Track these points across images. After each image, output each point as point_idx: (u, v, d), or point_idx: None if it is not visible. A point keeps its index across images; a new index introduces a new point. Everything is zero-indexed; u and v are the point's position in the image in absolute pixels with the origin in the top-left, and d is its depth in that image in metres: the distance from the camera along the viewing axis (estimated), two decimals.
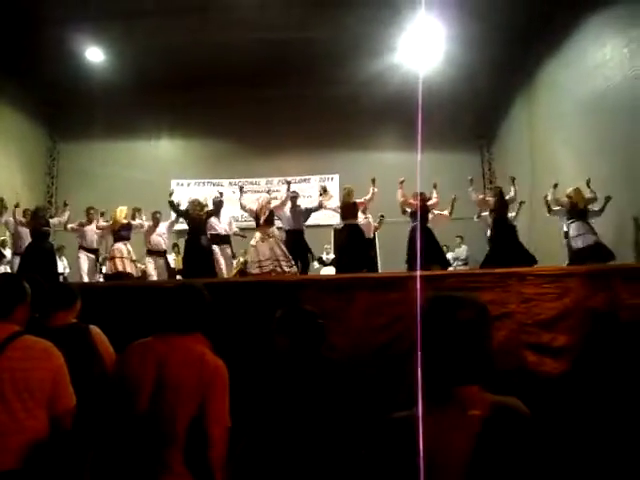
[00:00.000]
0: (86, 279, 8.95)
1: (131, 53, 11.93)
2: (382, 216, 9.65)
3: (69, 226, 9.42)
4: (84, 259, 9.21)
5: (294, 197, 8.87)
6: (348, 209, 8.61)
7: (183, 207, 8.62)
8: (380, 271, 8.99)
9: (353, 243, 8.30)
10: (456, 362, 1.38)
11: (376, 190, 8.65)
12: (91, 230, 9.28)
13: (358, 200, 8.60)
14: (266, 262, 7.82)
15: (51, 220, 9.06)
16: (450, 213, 9.08)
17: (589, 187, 8.15)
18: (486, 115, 14.16)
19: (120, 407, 2.21)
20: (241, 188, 9.07)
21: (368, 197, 8.65)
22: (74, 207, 9.62)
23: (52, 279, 7.63)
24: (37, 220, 8.57)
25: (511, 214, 8.67)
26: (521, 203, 9.01)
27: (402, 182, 8.60)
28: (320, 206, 8.93)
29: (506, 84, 13.16)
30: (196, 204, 8.49)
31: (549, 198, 8.46)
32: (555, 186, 8.52)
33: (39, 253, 8.27)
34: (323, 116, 13.28)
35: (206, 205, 8.72)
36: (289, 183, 8.86)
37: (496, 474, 1.28)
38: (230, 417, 2.23)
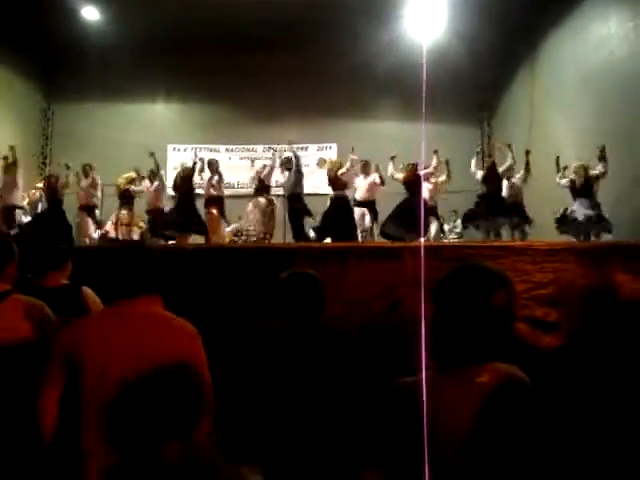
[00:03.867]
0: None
1: (128, 12, 11.68)
2: (377, 165, 9.16)
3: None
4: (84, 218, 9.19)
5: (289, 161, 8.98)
6: (336, 181, 8.68)
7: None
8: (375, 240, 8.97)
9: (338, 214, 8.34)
10: (478, 342, 1.35)
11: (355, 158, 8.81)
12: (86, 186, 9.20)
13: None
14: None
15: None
16: (448, 176, 9.04)
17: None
18: (488, 87, 14.02)
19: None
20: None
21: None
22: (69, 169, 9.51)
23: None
24: (52, 188, 8.66)
25: (516, 177, 8.64)
26: (527, 153, 8.75)
27: (393, 158, 8.69)
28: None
29: (509, 57, 13.02)
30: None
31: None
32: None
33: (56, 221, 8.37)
34: (322, 84, 13.10)
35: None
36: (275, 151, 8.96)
37: (498, 442, 1.26)
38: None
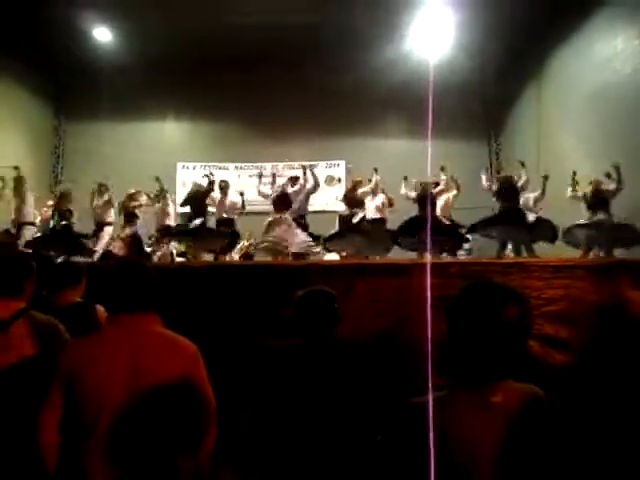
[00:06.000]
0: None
1: (139, 33, 11.86)
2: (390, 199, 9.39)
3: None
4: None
5: (296, 179, 8.99)
6: (353, 199, 8.65)
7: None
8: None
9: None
10: (493, 359, 1.35)
11: (379, 178, 8.79)
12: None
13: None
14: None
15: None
16: (458, 190, 9.01)
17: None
18: (495, 104, 14.07)
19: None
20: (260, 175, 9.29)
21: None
22: (79, 187, 9.61)
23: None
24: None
25: (533, 194, 8.50)
26: (545, 177, 8.52)
27: (405, 178, 8.70)
28: (316, 185, 8.88)
29: (516, 74, 13.08)
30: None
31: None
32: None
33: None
34: (331, 102, 13.19)
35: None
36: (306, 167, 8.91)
37: (527, 462, 1.26)
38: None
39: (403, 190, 8.67)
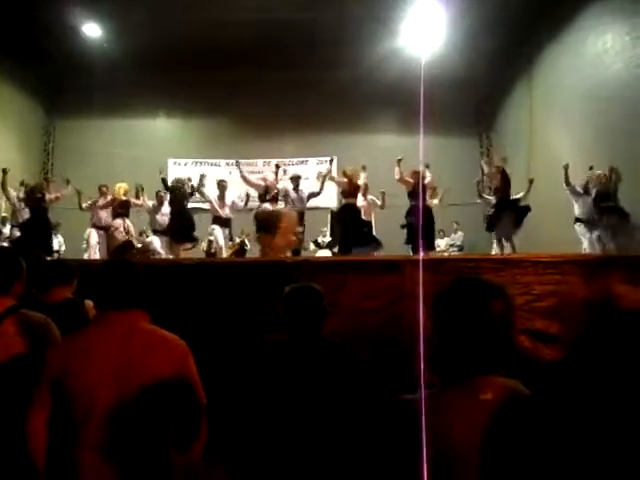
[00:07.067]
0: (97, 255, 9.13)
1: (129, 29, 11.77)
2: (383, 192, 9.49)
3: (84, 205, 9.43)
4: (95, 236, 9.31)
5: (297, 178, 9.22)
6: (354, 189, 8.63)
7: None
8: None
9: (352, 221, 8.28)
10: (479, 353, 1.36)
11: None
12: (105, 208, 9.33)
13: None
14: None
15: (48, 195, 8.91)
16: (440, 201, 9.10)
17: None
18: (486, 100, 14.12)
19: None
20: (237, 162, 9.49)
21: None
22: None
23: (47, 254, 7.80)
24: (34, 197, 8.61)
25: (519, 194, 8.58)
26: (530, 181, 8.67)
27: (399, 160, 8.53)
28: (321, 190, 8.99)
29: (506, 70, 13.12)
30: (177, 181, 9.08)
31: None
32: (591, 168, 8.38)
33: (37, 229, 8.35)
34: (322, 98, 13.18)
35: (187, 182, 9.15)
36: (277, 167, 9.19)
37: (509, 458, 1.27)
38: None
39: (397, 174, 8.53)
